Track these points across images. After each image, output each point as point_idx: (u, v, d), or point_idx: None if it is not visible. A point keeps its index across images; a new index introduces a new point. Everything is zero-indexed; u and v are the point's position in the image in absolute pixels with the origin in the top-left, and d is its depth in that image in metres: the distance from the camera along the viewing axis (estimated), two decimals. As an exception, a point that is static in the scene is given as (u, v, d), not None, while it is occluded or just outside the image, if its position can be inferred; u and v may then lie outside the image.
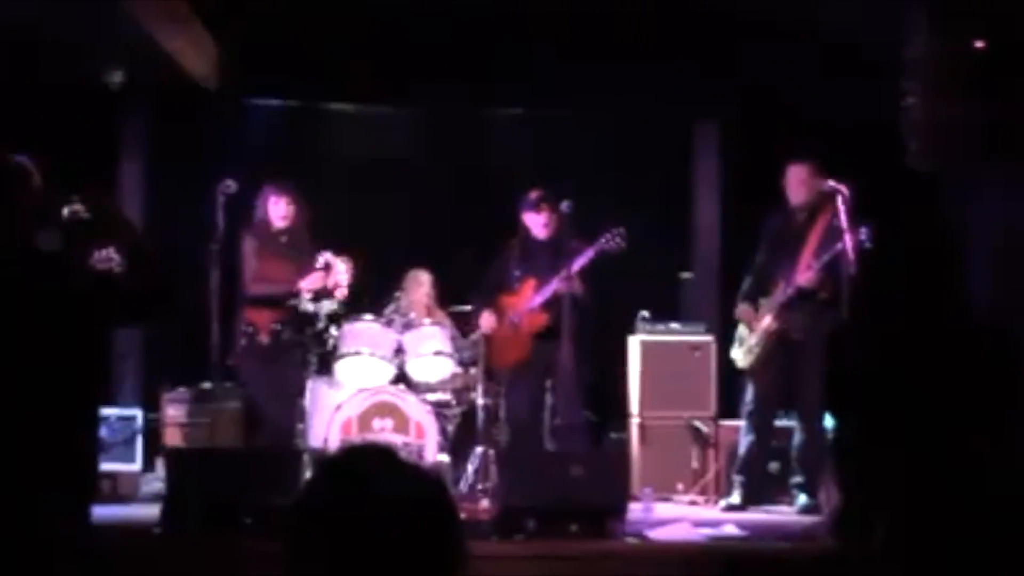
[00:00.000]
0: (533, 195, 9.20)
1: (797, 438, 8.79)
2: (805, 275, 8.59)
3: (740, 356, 8.98)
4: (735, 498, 8.87)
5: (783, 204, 8.91)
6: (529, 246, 9.24)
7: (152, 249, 5.92)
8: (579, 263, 8.94)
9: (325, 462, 2.65)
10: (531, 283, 9.17)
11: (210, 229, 8.64)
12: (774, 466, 9.15)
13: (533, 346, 9.16)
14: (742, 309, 9.02)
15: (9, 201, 5.55)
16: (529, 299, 9.14)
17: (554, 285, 8.97)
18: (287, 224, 8.98)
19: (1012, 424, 2.55)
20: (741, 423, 9.03)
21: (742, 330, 8.99)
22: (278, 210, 8.95)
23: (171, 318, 9.70)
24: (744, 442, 8.96)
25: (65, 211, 5.72)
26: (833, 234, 8.41)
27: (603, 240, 8.97)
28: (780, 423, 9.14)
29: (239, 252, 8.93)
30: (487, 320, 9.26)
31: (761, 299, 8.90)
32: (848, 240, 8.07)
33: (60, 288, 5.45)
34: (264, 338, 8.86)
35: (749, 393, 8.95)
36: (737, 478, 8.96)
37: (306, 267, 8.90)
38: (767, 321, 8.77)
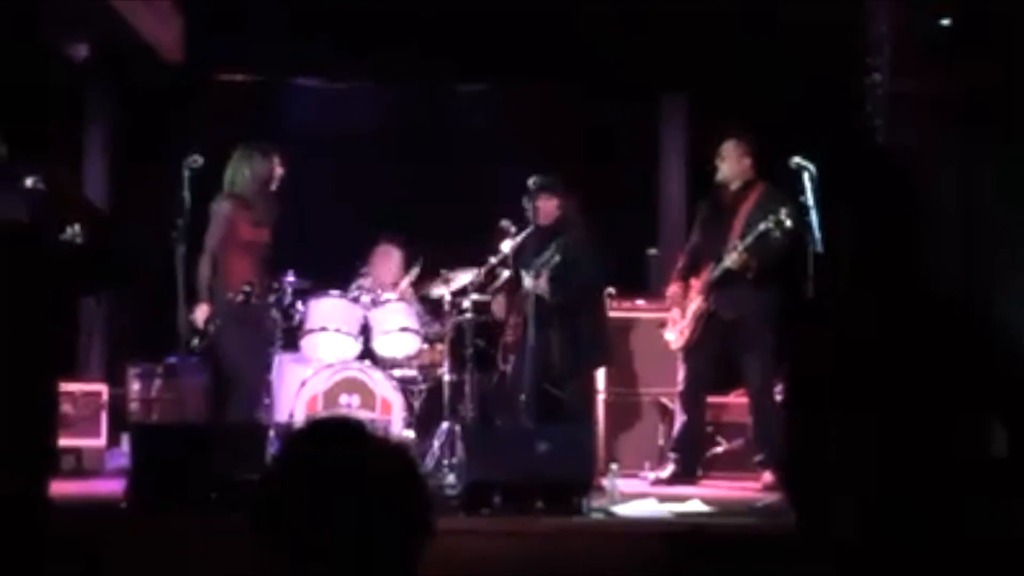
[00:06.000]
0: (529, 181, 8.89)
1: (753, 416, 8.87)
2: (730, 256, 8.63)
3: (673, 337, 9.05)
4: (665, 473, 9.00)
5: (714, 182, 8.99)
6: (527, 233, 8.95)
7: (110, 222, 5.90)
8: None
9: (292, 435, 2.64)
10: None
11: (176, 204, 8.54)
12: (738, 442, 9.23)
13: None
14: (672, 290, 9.13)
15: None
16: None
17: None
18: (273, 189, 8.81)
19: (989, 402, 2.50)
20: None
21: (675, 311, 9.04)
22: (278, 176, 8.78)
23: (129, 291, 9.66)
24: (678, 421, 9.07)
25: (28, 181, 5.70)
26: (759, 213, 8.49)
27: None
28: (732, 399, 9.33)
29: (217, 217, 8.67)
30: (497, 305, 9.30)
31: (692, 279, 8.98)
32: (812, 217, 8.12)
33: (29, 259, 5.42)
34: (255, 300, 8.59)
35: (681, 373, 9.04)
36: (671, 455, 9.09)
37: (272, 231, 8.78)
38: (696, 303, 8.83)
